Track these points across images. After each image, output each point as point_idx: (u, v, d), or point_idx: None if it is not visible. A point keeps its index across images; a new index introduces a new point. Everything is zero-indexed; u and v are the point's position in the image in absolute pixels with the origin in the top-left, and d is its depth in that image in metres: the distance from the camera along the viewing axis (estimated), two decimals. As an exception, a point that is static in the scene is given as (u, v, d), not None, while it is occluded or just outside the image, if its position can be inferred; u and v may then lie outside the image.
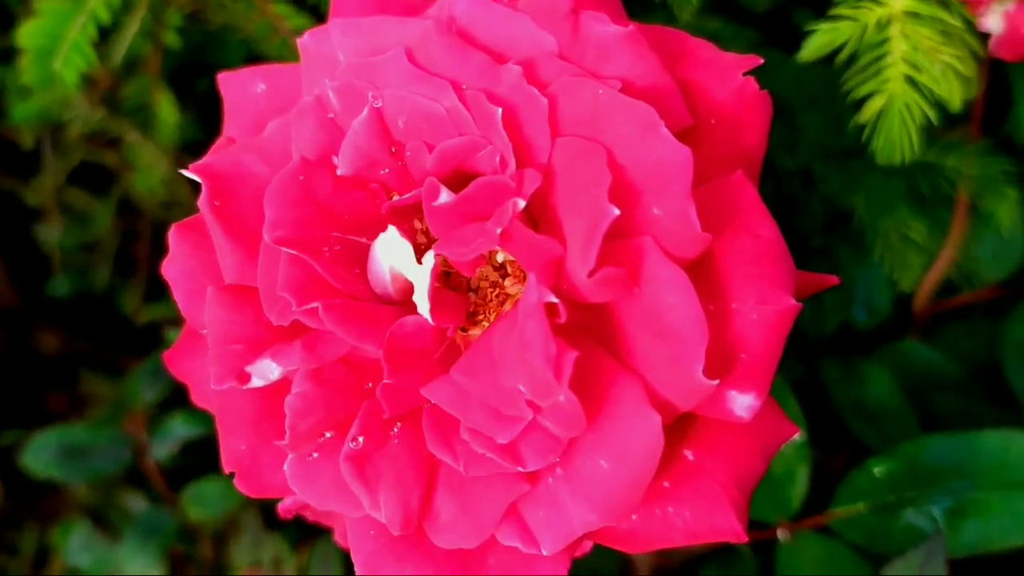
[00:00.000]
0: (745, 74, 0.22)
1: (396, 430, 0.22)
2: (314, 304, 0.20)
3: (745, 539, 0.21)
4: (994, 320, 0.46)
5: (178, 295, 0.23)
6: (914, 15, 0.31)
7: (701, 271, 0.20)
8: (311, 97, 0.22)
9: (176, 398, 0.52)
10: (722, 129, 0.22)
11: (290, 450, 0.21)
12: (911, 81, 0.31)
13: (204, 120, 0.59)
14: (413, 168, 0.22)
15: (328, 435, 0.21)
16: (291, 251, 0.21)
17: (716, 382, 0.19)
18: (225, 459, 0.22)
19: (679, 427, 0.21)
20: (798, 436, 0.35)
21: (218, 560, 0.51)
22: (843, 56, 0.31)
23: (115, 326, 0.68)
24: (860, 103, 0.33)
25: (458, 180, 0.22)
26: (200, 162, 0.23)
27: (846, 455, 0.44)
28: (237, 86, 0.24)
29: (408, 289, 0.22)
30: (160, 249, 0.65)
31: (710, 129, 0.22)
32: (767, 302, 0.20)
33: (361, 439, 0.21)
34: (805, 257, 0.46)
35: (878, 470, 0.35)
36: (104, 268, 0.69)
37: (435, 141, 0.21)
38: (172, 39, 0.48)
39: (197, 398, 0.24)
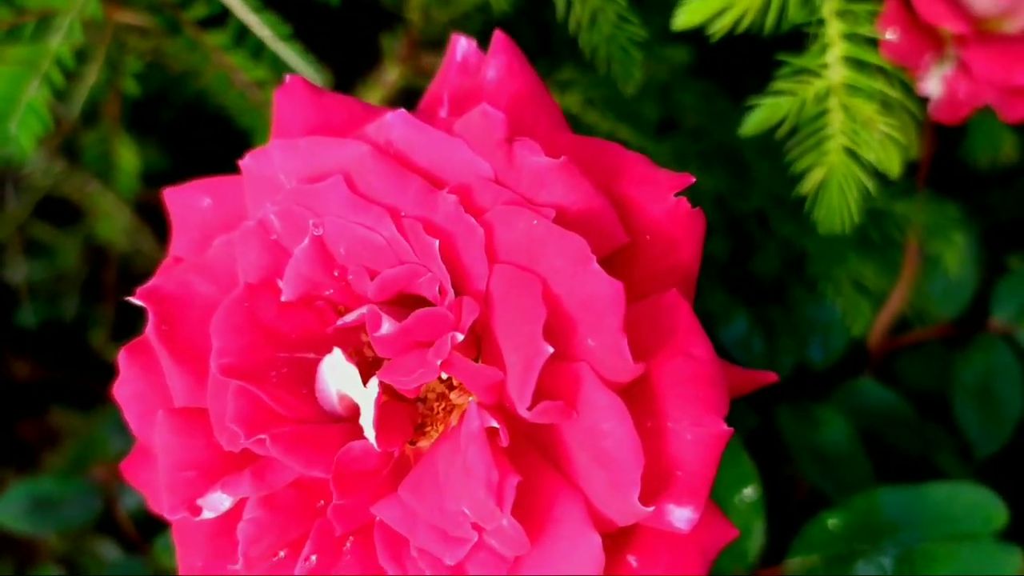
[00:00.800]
0: (678, 194, 0.22)
1: (348, 545, 0.22)
2: (261, 436, 0.21)
3: (687, 643, 0.21)
4: (948, 350, 0.47)
5: (130, 418, 0.23)
6: (852, 87, 0.32)
7: (637, 389, 0.21)
8: (254, 221, 0.23)
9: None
10: (658, 245, 0.22)
11: (244, 572, 0.22)
12: (850, 153, 0.32)
13: (171, 148, 0.59)
14: (357, 288, 0.22)
15: (282, 554, 0.22)
16: (237, 382, 0.21)
17: (651, 508, 0.20)
18: (182, 573, 0.23)
19: (623, 533, 0.22)
20: (752, 492, 0.36)
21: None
22: (783, 131, 0.32)
23: (86, 354, 0.68)
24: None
25: (402, 300, 0.23)
26: (147, 286, 0.23)
27: (807, 493, 0.45)
28: (182, 202, 0.25)
29: (356, 408, 0.22)
30: (126, 279, 0.66)
31: (646, 245, 0.22)
32: (701, 425, 0.21)
33: (314, 558, 0.22)
34: (760, 299, 0.46)
35: (831, 523, 0.36)
36: (72, 299, 0.69)
37: (376, 267, 0.22)
38: (131, 86, 0.48)
39: (155, 507, 0.24)
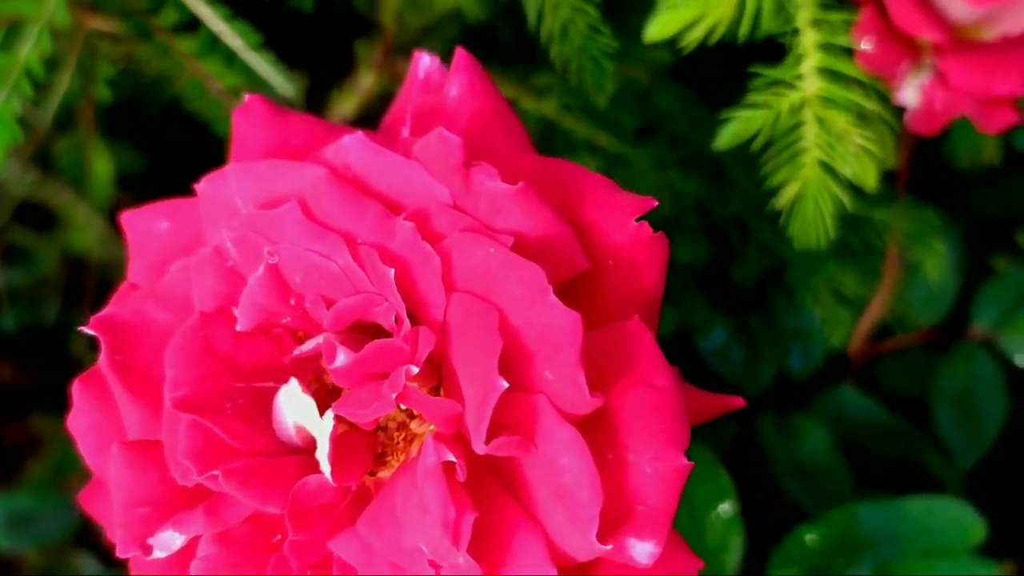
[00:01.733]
0: (641, 218, 0.22)
1: (305, 582, 0.22)
2: (214, 472, 0.20)
3: None
4: (929, 356, 0.47)
5: (84, 451, 0.23)
6: (827, 99, 0.31)
7: (598, 420, 0.21)
8: (209, 248, 0.22)
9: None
10: (620, 270, 0.22)
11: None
12: (825, 166, 0.31)
13: (149, 150, 0.59)
14: (314, 316, 0.22)
15: (236, 592, 0.21)
16: (190, 416, 0.21)
17: (610, 547, 0.20)
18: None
19: (584, 567, 0.21)
20: (729, 508, 0.36)
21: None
22: (758, 144, 0.32)
23: (67, 359, 0.68)
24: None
25: (361, 327, 0.22)
26: (100, 315, 0.23)
27: (789, 501, 0.45)
28: (140, 226, 0.24)
29: (314, 439, 0.22)
30: (106, 284, 0.65)
31: (608, 270, 0.22)
32: (662, 459, 0.20)
33: (269, 596, 0.21)
34: (741, 308, 0.46)
35: (809, 538, 0.36)
36: (53, 304, 0.68)
37: (333, 295, 0.21)
38: (103, 93, 0.47)
39: (112, 540, 0.24)
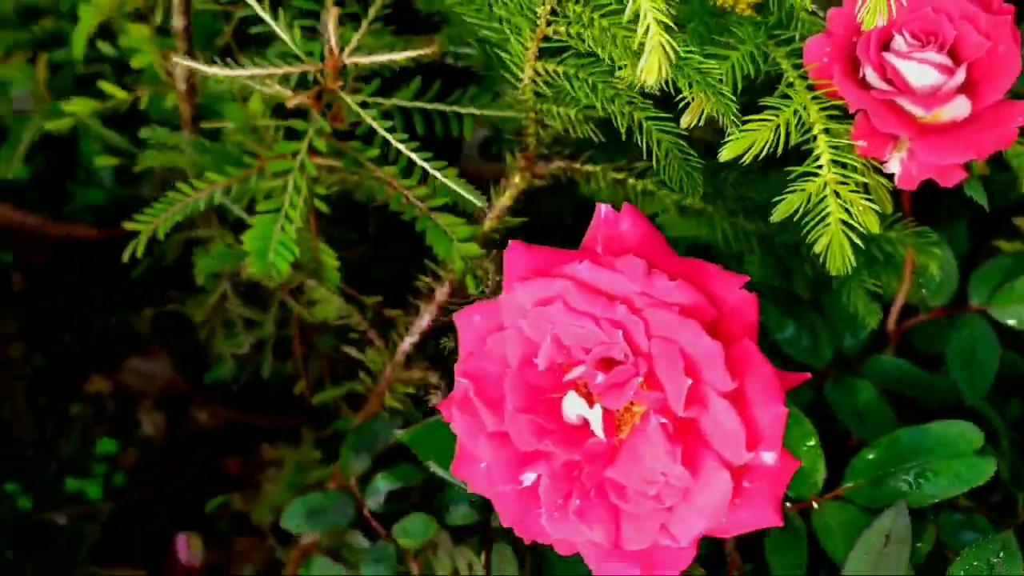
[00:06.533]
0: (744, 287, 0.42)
1: (592, 494, 0.42)
2: (546, 440, 0.41)
3: (781, 524, 0.41)
4: (943, 326, 0.65)
5: (461, 437, 0.43)
6: (839, 181, 0.50)
7: (736, 393, 0.40)
8: (513, 329, 0.42)
9: (377, 464, 0.72)
10: (733, 315, 0.42)
11: (545, 513, 0.42)
12: (843, 222, 0.50)
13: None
14: (576, 357, 0.42)
15: (559, 501, 0.42)
16: (525, 416, 0.41)
17: (752, 455, 0.39)
18: (504, 524, 0.43)
19: (739, 469, 0.41)
20: (813, 443, 0.55)
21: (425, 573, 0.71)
22: (799, 215, 0.51)
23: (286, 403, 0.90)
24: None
25: (604, 362, 0.42)
26: (463, 369, 0.43)
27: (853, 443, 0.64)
28: (465, 319, 0.45)
29: (586, 420, 0.42)
30: (308, 344, 0.87)
31: (727, 315, 0.42)
32: (771, 407, 0.40)
33: (577, 502, 0.42)
34: (798, 309, 0.65)
35: (870, 456, 0.55)
36: (268, 359, 0.90)
37: (587, 346, 0.42)
38: (322, 207, 0.68)
39: (474, 488, 0.44)
